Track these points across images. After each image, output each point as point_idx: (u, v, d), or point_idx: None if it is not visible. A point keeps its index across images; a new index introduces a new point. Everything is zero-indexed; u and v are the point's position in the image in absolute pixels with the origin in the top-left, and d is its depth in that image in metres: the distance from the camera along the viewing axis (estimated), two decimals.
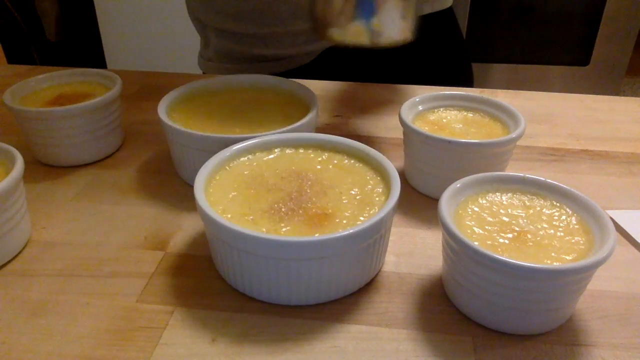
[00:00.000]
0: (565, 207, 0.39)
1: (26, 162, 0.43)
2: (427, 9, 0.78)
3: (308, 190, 0.41)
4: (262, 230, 0.37)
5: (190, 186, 0.50)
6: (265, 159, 0.45)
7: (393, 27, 0.48)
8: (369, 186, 0.42)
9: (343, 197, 0.41)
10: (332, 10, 0.48)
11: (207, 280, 0.41)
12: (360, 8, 0.47)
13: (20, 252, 0.43)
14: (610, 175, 0.54)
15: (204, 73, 0.85)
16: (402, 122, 0.49)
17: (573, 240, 0.36)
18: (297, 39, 0.75)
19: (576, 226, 0.37)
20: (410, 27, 0.49)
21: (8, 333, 0.36)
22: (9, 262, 0.42)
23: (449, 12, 0.83)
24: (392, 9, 0.47)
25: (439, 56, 0.82)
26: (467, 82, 0.86)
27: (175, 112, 0.53)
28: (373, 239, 0.37)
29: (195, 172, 0.41)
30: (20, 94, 0.56)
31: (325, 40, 0.50)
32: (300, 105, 0.55)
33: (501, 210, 0.39)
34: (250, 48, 0.77)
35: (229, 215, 0.39)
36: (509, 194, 0.41)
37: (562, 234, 0.37)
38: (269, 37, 0.76)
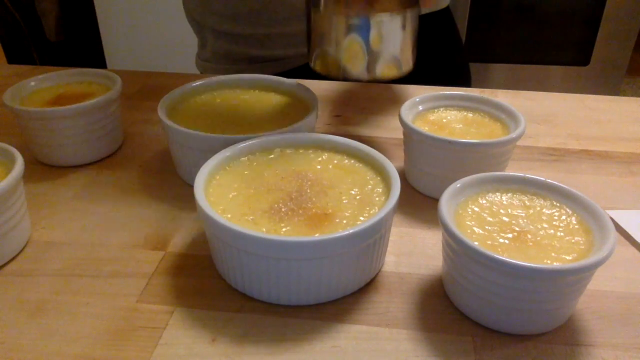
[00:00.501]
0: (565, 207, 0.39)
1: (26, 162, 0.43)
2: (424, 9, 0.78)
3: (308, 190, 0.41)
4: (262, 230, 0.37)
5: (190, 186, 0.50)
6: (265, 159, 0.45)
7: (391, 58, 0.48)
8: (369, 186, 0.42)
9: (343, 197, 0.41)
10: (329, 40, 0.48)
11: (207, 280, 0.41)
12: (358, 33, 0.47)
13: (20, 252, 0.43)
14: (610, 175, 0.54)
15: (201, 74, 0.85)
16: (402, 122, 0.49)
17: (573, 240, 0.36)
18: (293, 40, 0.75)
19: (576, 226, 0.37)
20: (410, 59, 0.50)
21: (8, 333, 0.36)
22: (9, 262, 0.42)
23: (446, 12, 0.83)
24: (392, 38, 0.47)
25: (437, 56, 0.82)
26: (465, 82, 0.86)
27: (175, 112, 0.53)
28: (373, 239, 0.37)
29: (195, 172, 0.41)
30: (20, 94, 0.56)
31: (320, 72, 0.50)
32: (300, 105, 0.55)
33: (501, 210, 0.39)
34: (247, 49, 0.77)
35: (229, 215, 0.39)
36: (509, 194, 0.41)
37: (562, 234, 0.37)
38: (265, 38, 0.76)
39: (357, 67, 0.48)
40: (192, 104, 0.55)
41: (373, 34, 0.46)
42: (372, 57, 0.47)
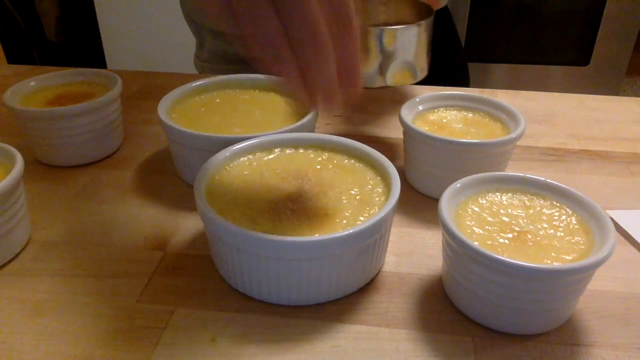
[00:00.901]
0: (565, 207, 0.39)
1: (26, 162, 0.43)
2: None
3: (308, 190, 0.41)
4: (262, 230, 0.37)
5: (190, 186, 0.50)
6: (265, 159, 0.45)
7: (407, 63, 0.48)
8: (369, 186, 0.42)
9: (343, 197, 0.41)
10: None
11: (207, 280, 0.41)
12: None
13: (20, 252, 0.43)
14: (610, 175, 0.54)
15: (200, 74, 0.85)
16: (402, 122, 0.49)
17: (573, 240, 0.36)
18: None
19: (576, 226, 0.37)
20: (425, 67, 0.50)
21: (8, 333, 0.36)
22: (9, 262, 0.42)
23: (444, 13, 0.83)
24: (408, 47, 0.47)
25: (436, 56, 0.82)
26: (464, 82, 0.86)
27: (175, 112, 0.53)
28: (373, 239, 0.37)
29: (195, 172, 0.41)
30: (20, 94, 0.56)
31: None
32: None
33: (501, 210, 0.39)
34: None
35: (229, 215, 0.39)
36: (509, 194, 0.41)
37: (562, 234, 0.37)
38: None
39: (368, 74, 0.48)
40: (192, 104, 0.55)
41: (387, 43, 0.46)
42: (385, 65, 0.47)
